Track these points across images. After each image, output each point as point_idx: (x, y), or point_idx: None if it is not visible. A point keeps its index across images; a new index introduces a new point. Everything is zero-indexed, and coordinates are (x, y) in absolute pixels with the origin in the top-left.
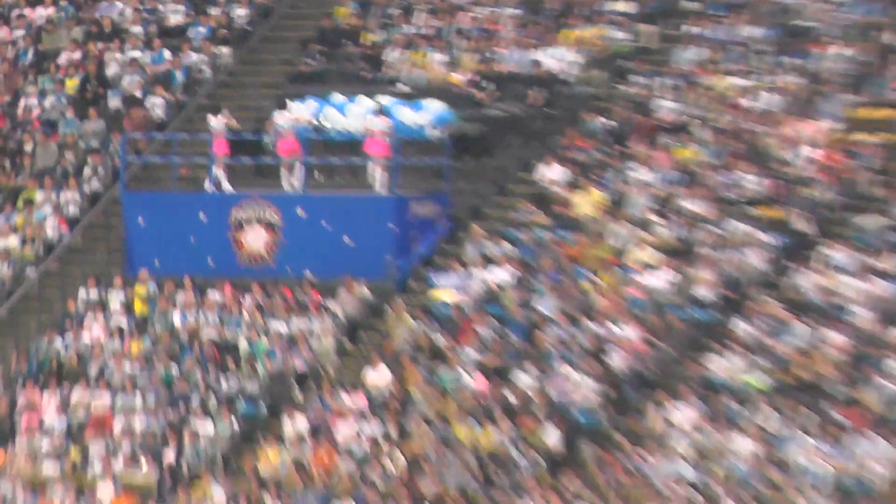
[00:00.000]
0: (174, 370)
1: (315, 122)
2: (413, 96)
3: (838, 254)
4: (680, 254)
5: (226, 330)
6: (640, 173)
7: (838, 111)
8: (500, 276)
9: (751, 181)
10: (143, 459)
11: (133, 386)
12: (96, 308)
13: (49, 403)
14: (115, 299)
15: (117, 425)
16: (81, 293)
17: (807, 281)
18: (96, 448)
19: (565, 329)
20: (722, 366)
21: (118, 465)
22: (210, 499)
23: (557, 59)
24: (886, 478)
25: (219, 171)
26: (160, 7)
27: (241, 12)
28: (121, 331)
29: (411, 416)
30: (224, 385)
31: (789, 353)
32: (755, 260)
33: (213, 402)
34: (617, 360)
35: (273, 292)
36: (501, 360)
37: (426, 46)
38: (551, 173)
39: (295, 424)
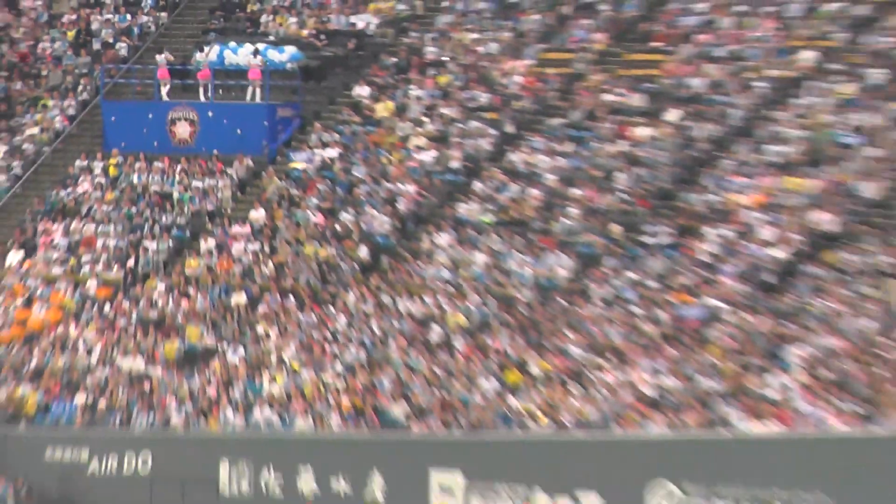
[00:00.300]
0: (133, 210)
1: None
2: (277, 43)
3: (536, 141)
4: (440, 140)
5: (165, 185)
6: (415, 91)
7: (535, 54)
8: (331, 153)
9: (482, 97)
10: (114, 265)
11: (108, 220)
12: (86, 172)
13: (57, 230)
14: (98, 167)
15: (99, 244)
16: (77, 162)
17: (517, 157)
18: (86, 258)
19: (371, 186)
20: (466, 209)
21: (99, 268)
22: (155, 289)
23: (365, 21)
24: (565, 278)
25: (162, 88)
26: None
27: None
28: (101, 185)
29: (277, 239)
30: (164, 219)
31: (507, 202)
32: (485, 145)
33: (157, 230)
34: (402, 206)
35: (194, 163)
36: (332, 205)
37: (285, 13)
38: (362, 91)
39: (207, 244)
